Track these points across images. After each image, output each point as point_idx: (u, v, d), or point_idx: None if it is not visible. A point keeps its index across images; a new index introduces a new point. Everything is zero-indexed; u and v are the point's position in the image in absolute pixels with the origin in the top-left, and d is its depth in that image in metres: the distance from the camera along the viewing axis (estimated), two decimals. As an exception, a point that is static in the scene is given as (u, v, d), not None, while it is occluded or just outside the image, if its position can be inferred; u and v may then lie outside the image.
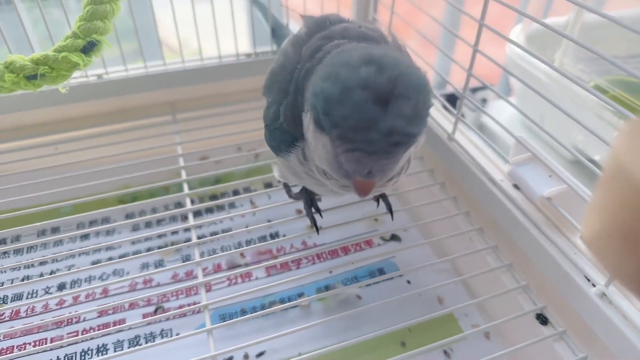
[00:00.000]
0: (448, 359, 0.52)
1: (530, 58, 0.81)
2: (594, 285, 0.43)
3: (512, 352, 0.45)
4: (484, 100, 1.01)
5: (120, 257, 0.63)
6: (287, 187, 0.61)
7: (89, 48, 0.48)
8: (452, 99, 1.03)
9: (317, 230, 0.56)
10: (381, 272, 0.61)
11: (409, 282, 0.60)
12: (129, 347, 0.53)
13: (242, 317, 0.51)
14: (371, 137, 0.33)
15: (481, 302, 0.54)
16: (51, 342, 0.53)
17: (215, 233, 0.66)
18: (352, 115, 0.33)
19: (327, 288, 0.59)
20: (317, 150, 0.39)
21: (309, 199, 0.58)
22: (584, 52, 0.79)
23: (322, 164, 0.40)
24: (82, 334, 0.54)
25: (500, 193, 0.53)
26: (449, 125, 0.63)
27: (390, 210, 0.57)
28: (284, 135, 0.45)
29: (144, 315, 0.56)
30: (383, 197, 0.58)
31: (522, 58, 0.86)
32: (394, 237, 0.65)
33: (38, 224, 0.60)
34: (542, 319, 0.48)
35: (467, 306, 0.55)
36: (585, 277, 0.44)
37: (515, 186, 0.53)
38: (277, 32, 0.71)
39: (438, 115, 0.66)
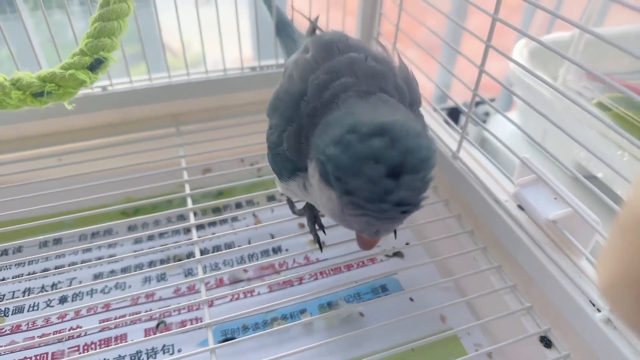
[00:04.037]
0: (450, 380, 0.52)
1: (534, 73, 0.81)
2: (599, 311, 0.43)
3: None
4: (487, 114, 1.01)
5: (122, 270, 0.63)
6: (290, 202, 0.61)
7: (95, 65, 0.48)
8: (454, 112, 1.03)
9: (321, 247, 0.56)
10: (384, 289, 0.61)
11: (411, 299, 0.59)
12: (130, 363, 0.53)
13: (244, 337, 0.51)
14: (383, 207, 0.35)
15: (485, 323, 0.54)
16: (52, 357, 0.53)
17: (217, 246, 0.66)
18: (366, 187, 0.35)
19: (329, 304, 0.59)
20: (321, 199, 0.40)
21: (313, 216, 0.58)
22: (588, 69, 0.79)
23: (325, 212, 0.42)
24: (84, 349, 0.54)
25: (505, 214, 0.53)
26: (453, 143, 0.63)
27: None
28: (286, 162, 0.45)
29: (146, 330, 0.56)
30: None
31: (525, 73, 0.86)
32: (397, 254, 0.65)
33: (41, 237, 0.60)
34: (546, 342, 0.48)
35: (470, 326, 0.55)
36: (591, 302, 0.44)
37: (520, 207, 0.53)
38: (282, 30, 0.68)
39: (441, 131, 0.66)
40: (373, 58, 0.45)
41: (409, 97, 0.45)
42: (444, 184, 0.65)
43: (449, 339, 0.55)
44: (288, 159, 0.45)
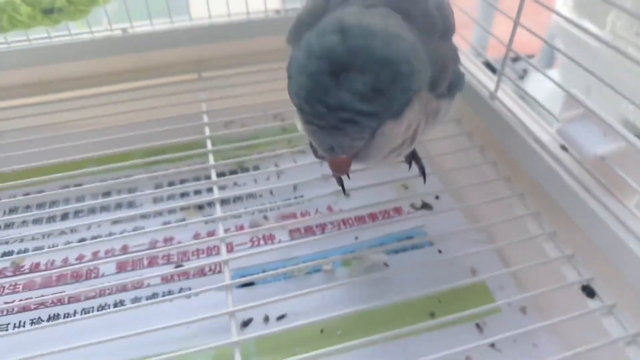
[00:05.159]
0: (481, 333, 0.49)
1: (579, 22, 0.75)
2: (652, 255, 0.39)
3: (554, 328, 0.41)
4: (525, 71, 0.96)
5: (141, 216, 0.61)
6: (312, 146, 0.58)
7: (108, -16, 0.46)
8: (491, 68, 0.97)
9: (344, 190, 0.53)
10: (410, 239, 0.57)
11: (440, 251, 0.56)
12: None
13: (262, 274, 0.48)
14: (319, 110, 0.32)
15: (519, 276, 0.50)
16: (69, 296, 0.52)
17: (238, 196, 0.64)
18: (305, 85, 0.32)
19: (352, 253, 0.56)
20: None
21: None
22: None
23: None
24: (100, 293, 0.53)
25: (547, 154, 0.48)
26: (490, 83, 0.58)
27: (423, 172, 0.54)
28: None
29: (163, 275, 0.55)
30: (416, 158, 0.54)
31: (569, 24, 0.79)
32: (425, 206, 0.62)
33: (61, 174, 0.59)
34: (589, 291, 0.44)
35: (503, 279, 0.51)
36: (643, 245, 0.40)
37: (563, 148, 0.49)
38: None
39: (478, 72, 0.62)
40: None
41: (442, 24, 0.41)
42: (479, 128, 0.60)
43: (479, 291, 0.52)
44: None
